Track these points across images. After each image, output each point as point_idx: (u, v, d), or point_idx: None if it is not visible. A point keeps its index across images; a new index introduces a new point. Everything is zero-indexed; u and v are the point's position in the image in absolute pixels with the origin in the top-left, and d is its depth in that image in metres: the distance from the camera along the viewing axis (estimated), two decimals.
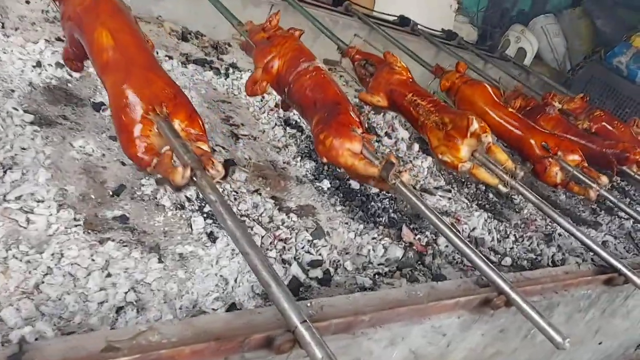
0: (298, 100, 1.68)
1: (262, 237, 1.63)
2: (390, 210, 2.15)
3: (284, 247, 1.63)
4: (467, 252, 1.38)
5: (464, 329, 1.32)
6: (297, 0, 3.20)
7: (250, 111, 2.37)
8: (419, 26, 4.03)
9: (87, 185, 1.50)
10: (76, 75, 1.96)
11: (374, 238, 1.92)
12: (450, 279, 1.81)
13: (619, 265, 1.68)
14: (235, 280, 1.41)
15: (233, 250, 1.49)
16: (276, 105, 2.45)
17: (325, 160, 1.53)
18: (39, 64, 1.92)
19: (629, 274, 1.66)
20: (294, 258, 1.58)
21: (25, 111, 1.66)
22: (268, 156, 2.15)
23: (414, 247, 1.94)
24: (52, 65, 1.95)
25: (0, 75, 1.78)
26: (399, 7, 4.14)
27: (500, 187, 1.85)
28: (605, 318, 1.94)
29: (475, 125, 1.77)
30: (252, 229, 1.63)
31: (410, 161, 2.68)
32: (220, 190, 1.72)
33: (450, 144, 1.81)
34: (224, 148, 2.02)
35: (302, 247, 1.65)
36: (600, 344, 2.15)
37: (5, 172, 1.41)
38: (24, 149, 1.51)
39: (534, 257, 2.30)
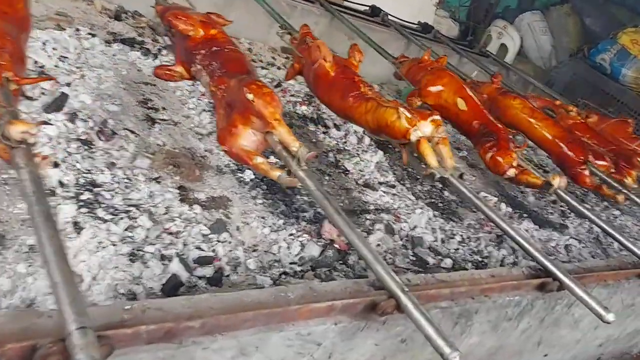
0: None
1: (147, 229, 1.44)
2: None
3: (172, 242, 1.45)
4: (359, 246, 1.20)
5: (347, 337, 1.13)
6: None
7: (176, 95, 2.19)
8: (389, 17, 3.84)
9: None
10: None
11: (291, 234, 1.74)
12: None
13: (554, 269, 1.49)
14: (94, 278, 1.23)
15: (100, 242, 1.31)
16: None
17: None
18: None
19: (565, 279, 1.47)
20: (178, 254, 1.39)
21: None
22: (187, 143, 1.97)
23: (335, 245, 1.75)
24: None
25: None
26: None
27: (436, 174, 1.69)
28: (547, 328, 1.75)
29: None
30: (135, 220, 1.44)
31: (358, 154, 2.50)
32: (111, 176, 1.54)
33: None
34: (133, 132, 1.84)
35: (193, 243, 1.47)
36: (545, 355, 1.95)
37: None
38: None
39: (480, 259, 2.10)
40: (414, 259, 1.91)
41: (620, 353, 2.73)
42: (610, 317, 1.39)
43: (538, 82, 4.13)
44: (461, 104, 2.16)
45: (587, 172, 2.28)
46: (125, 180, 1.59)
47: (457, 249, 2.12)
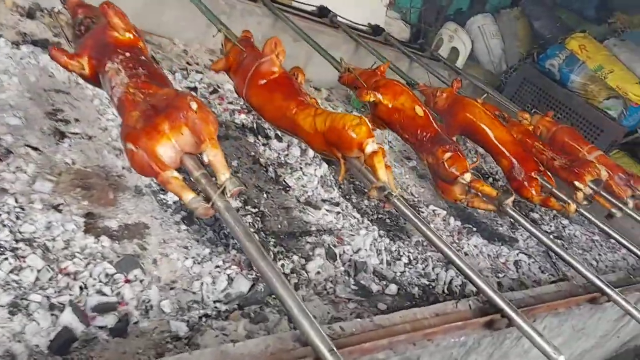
0: None
1: (38, 271, 1.22)
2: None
3: (67, 285, 1.23)
4: (283, 297, 1.02)
5: None
6: None
7: (94, 104, 1.96)
8: (339, 18, 3.69)
9: None
10: None
11: (217, 267, 1.55)
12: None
13: (502, 305, 1.36)
14: None
15: None
16: None
17: None
18: None
19: (514, 316, 1.35)
20: (71, 301, 1.18)
21: None
22: (102, 160, 1.74)
23: None
24: None
25: None
26: None
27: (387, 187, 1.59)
28: None
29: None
30: (24, 260, 1.22)
31: (301, 168, 2.32)
32: (13, 202, 1.32)
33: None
34: (35, 149, 1.60)
35: (94, 286, 1.26)
36: None
37: None
38: None
39: (427, 283, 1.97)
40: (356, 287, 1.76)
41: None
42: (561, 359, 1.27)
43: (488, 88, 4.08)
44: (419, 110, 2.03)
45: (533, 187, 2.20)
46: (17, 210, 1.36)
47: (404, 271, 1.98)
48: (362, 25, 4.04)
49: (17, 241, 1.27)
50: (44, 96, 1.85)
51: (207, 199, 1.18)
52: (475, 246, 2.42)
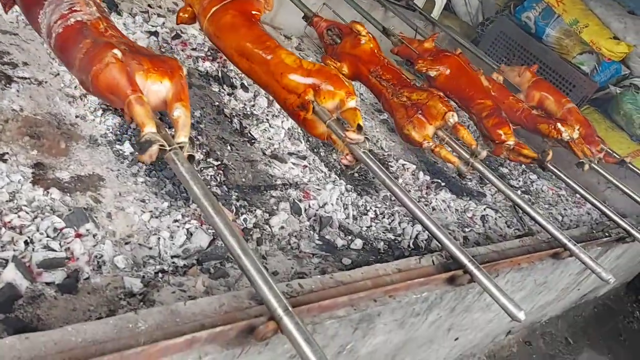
0: None
1: None
2: (214, 183, 1.72)
3: (12, 240, 1.17)
4: (236, 252, 0.98)
5: None
6: None
7: (44, 47, 1.83)
8: None
9: None
10: None
11: (176, 221, 1.49)
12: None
13: (465, 261, 1.35)
14: None
15: None
16: None
17: None
18: None
19: (477, 272, 1.34)
20: (15, 257, 1.12)
21: None
22: (54, 108, 1.64)
23: None
24: None
25: None
26: None
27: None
28: (457, 315, 1.64)
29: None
30: None
31: (267, 120, 2.25)
32: None
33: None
34: None
35: (40, 241, 1.19)
36: (457, 339, 1.87)
37: None
38: None
39: (393, 237, 1.96)
40: (321, 242, 1.73)
41: (531, 323, 2.75)
42: (521, 315, 1.28)
43: (464, 40, 4.00)
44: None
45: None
46: None
47: (370, 226, 1.97)
48: None
49: None
50: None
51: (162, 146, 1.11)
52: (443, 201, 2.42)
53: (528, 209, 1.82)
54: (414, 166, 2.56)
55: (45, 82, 1.71)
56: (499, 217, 2.55)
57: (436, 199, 2.40)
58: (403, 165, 2.53)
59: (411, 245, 1.97)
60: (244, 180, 1.86)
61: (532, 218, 1.82)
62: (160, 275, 1.30)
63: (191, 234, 1.47)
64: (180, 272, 1.35)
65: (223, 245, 1.47)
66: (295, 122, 1.62)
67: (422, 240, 2.02)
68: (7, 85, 1.60)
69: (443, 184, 2.54)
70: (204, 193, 1.05)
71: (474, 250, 1.59)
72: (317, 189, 1.96)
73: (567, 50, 4.10)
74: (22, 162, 1.39)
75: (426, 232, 2.06)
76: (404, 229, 2.01)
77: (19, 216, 1.22)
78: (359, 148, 1.45)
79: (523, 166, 3.42)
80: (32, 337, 0.73)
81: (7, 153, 1.38)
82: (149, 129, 1.07)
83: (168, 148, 1.09)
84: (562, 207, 3.14)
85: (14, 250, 1.14)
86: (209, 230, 1.50)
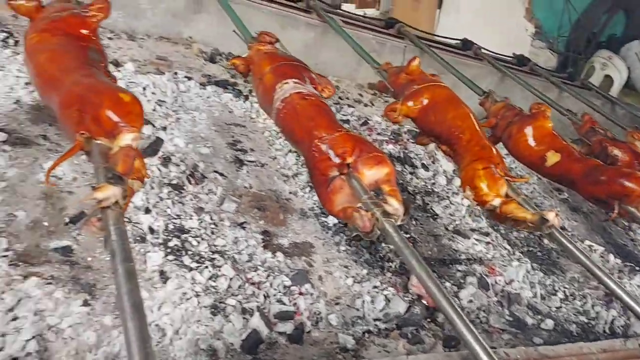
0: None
1: (230, 279, 1.42)
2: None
3: (253, 293, 1.42)
4: (448, 312, 1.09)
5: None
6: (345, 23, 3.04)
7: (264, 136, 2.21)
8: (482, 50, 3.69)
9: (42, 211, 1.39)
10: None
11: (375, 287, 1.65)
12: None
13: None
14: (177, 332, 1.22)
15: (184, 294, 1.30)
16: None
17: None
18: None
19: None
20: (259, 307, 1.35)
21: None
22: (273, 185, 1.96)
23: (423, 301, 1.64)
24: None
25: None
26: (465, 31, 3.84)
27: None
28: None
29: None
30: (219, 269, 1.43)
31: (448, 197, 2.37)
32: (198, 221, 1.55)
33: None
34: (222, 175, 1.86)
35: (274, 295, 1.43)
36: None
37: None
38: None
39: (586, 321, 1.89)
40: (511, 318, 1.75)
41: None
42: None
43: None
44: None
45: None
46: (212, 226, 1.59)
47: (560, 307, 1.93)
48: (506, 56, 3.99)
49: (212, 252, 1.49)
50: (225, 129, 2.13)
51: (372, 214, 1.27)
52: (638, 286, 2.26)
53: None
54: (602, 248, 2.44)
55: (266, 164, 2.05)
56: None
57: (630, 283, 2.25)
58: (590, 246, 2.43)
59: (607, 330, 1.88)
60: (429, 253, 1.98)
61: None
62: (366, 335, 1.45)
63: (389, 300, 1.61)
64: (383, 334, 1.49)
65: (419, 313, 1.59)
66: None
67: (618, 326, 1.91)
68: (240, 167, 1.96)
69: (637, 268, 2.37)
70: (417, 258, 1.20)
71: None
72: (503, 265, 1.99)
73: None
74: (254, 230, 1.68)
75: (623, 317, 1.96)
76: (597, 312, 1.93)
77: (257, 274, 1.48)
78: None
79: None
80: None
81: (245, 222, 1.68)
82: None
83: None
84: None
85: (257, 302, 1.38)
86: (405, 298, 1.63)
